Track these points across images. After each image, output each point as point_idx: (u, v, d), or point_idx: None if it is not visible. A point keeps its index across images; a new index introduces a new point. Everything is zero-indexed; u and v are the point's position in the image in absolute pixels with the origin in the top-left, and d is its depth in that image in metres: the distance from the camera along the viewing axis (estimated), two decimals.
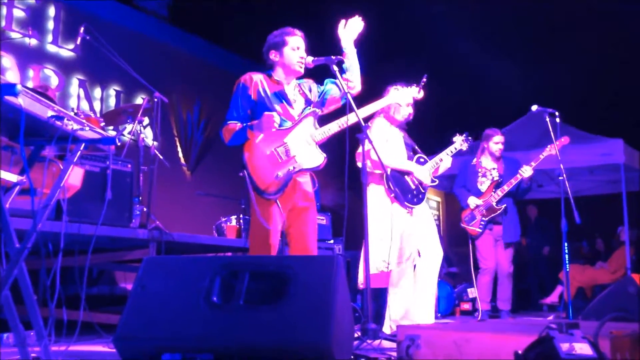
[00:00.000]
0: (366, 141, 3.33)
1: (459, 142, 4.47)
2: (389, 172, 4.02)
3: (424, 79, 4.06)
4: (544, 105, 4.98)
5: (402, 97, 4.05)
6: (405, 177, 4.18)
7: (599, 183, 8.84)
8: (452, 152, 4.41)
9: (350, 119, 3.33)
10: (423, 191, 4.21)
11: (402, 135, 4.28)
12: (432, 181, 4.25)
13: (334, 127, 3.39)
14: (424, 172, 4.21)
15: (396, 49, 9.61)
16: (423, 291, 4.12)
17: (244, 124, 3.27)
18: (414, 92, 4.06)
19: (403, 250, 4.01)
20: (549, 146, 5.18)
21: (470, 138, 4.51)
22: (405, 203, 4.07)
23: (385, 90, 4.23)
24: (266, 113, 3.19)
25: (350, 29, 3.41)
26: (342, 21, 3.43)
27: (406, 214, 4.09)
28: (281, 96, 3.37)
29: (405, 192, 4.11)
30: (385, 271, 3.98)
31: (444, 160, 4.35)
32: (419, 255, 4.11)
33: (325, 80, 3.55)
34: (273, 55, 3.39)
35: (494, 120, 5.86)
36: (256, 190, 3.18)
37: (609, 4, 8.04)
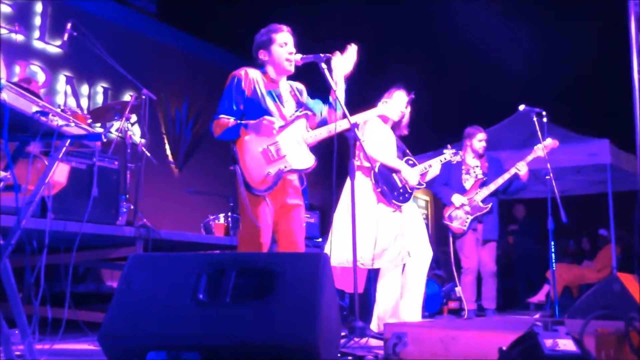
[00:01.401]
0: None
1: (449, 154, 4.53)
2: (377, 169, 4.04)
3: (412, 96, 4.18)
4: (532, 104, 5.00)
5: (390, 112, 4.15)
6: (393, 174, 4.18)
7: (585, 183, 8.91)
8: (441, 161, 4.47)
9: (339, 126, 3.35)
10: (410, 190, 4.22)
11: (395, 137, 4.30)
12: (419, 184, 4.27)
13: (323, 132, 3.38)
14: (412, 173, 4.22)
15: (390, 45, 9.63)
16: (412, 290, 4.13)
17: (238, 122, 3.23)
18: (402, 108, 4.20)
19: (393, 249, 4.00)
20: (535, 147, 5.19)
21: (459, 152, 4.57)
22: (393, 201, 4.08)
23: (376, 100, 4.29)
24: (267, 118, 3.16)
25: (346, 61, 3.40)
26: (338, 53, 3.41)
27: (394, 212, 4.09)
28: (275, 95, 3.35)
29: (392, 189, 4.11)
30: (360, 267, 3.99)
31: (434, 166, 4.39)
32: (409, 255, 4.11)
33: (316, 100, 3.56)
34: (262, 55, 3.35)
35: (481, 119, 5.87)
36: (246, 185, 3.15)
37: (596, 3, 8.10)
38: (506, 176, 5.27)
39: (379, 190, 4.02)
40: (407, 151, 4.37)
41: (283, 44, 3.31)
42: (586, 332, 2.02)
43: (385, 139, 4.21)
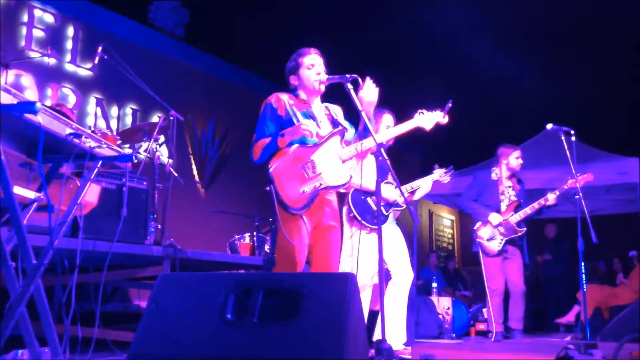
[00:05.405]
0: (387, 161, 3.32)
1: (438, 174, 4.52)
2: (350, 195, 4.07)
3: (449, 104, 3.97)
4: (560, 122, 4.95)
5: (427, 122, 3.96)
6: (367, 198, 4.16)
7: (615, 202, 8.75)
8: (432, 179, 4.48)
9: (366, 144, 3.35)
10: (386, 213, 4.19)
11: (375, 160, 4.19)
12: (399, 204, 4.25)
13: (354, 150, 3.38)
14: (390, 191, 4.19)
15: (410, 64, 9.65)
16: (392, 314, 4.07)
17: (274, 136, 3.27)
18: (439, 117, 3.95)
19: (366, 270, 4.01)
20: (570, 179, 5.10)
21: (451, 169, 4.52)
22: (363, 223, 4.06)
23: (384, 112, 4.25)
24: (304, 122, 3.22)
25: (368, 94, 3.37)
26: (366, 85, 3.38)
27: (366, 234, 4.08)
28: (309, 115, 3.38)
29: (364, 212, 4.10)
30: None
31: (422, 186, 4.43)
32: (390, 277, 4.12)
33: (349, 123, 3.58)
34: (293, 80, 3.43)
35: (507, 138, 5.83)
36: (282, 205, 3.17)
37: (626, 22, 8.03)
38: (540, 203, 5.22)
39: (351, 215, 4.05)
40: (392, 173, 4.22)
41: (310, 66, 3.36)
42: (620, 355, 1.98)
43: (365, 163, 4.12)
